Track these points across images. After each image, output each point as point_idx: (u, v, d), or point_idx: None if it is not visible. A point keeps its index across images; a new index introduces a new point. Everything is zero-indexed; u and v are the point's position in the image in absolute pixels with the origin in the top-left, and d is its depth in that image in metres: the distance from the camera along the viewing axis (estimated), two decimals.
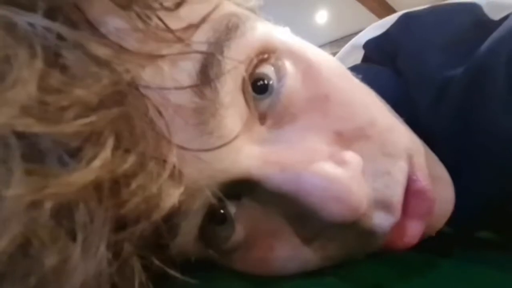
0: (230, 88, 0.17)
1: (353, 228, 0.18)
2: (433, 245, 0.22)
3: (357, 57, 0.34)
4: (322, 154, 0.18)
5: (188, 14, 0.16)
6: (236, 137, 0.16)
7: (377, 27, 0.33)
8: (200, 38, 0.16)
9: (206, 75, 0.16)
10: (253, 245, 0.19)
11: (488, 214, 0.23)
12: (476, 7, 0.27)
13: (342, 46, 0.39)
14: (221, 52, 0.16)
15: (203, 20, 0.16)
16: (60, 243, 0.12)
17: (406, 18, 0.30)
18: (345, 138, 0.19)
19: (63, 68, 0.13)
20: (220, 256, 0.20)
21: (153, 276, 0.15)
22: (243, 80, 0.18)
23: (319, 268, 0.20)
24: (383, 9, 2.96)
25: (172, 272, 0.15)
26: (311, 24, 3.37)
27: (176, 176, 0.15)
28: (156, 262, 0.15)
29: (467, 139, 0.22)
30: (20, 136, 0.12)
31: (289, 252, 0.19)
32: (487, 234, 0.26)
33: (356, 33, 0.36)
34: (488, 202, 0.23)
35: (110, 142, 0.13)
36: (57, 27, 0.13)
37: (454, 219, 0.22)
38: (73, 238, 0.12)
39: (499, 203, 0.22)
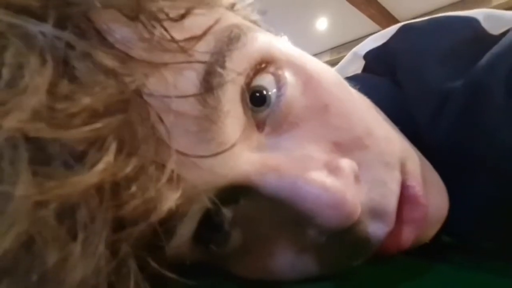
0: (230, 97, 0.17)
1: (348, 236, 0.18)
2: (432, 253, 0.23)
3: (358, 67, 0.35)
4: (318, 162, 0.18)
5: (191, 25, 0.16)
6: (234, 145, 0.17)
7: (377, 38, 0.33)
8: (203, 48, 0.17)
9: (208, 84, 0.16)
10: (251, 250, 0.20)
11: (488, 225, 0.23)
12: (474, 21, 0.27)
13: (342, 52, 0.40)
14: (223, 62, 0.17)
15: (205, 32, 0.17)
16: (62, 241, 0.12)
17: (405, 30, 0.30)
18: (343, 148, 0.19)
19: (72, 76, 0.13)
20: (218, 259, 0.20)
21: (152, 279, 0.15)
22: (242, 90, 0.18)
23: (317, 275, 0.21)
24: (383, 17, 2.98)
25: (167, 273, 0.15)
26: (312, 31, 3.38)
27: (174, 180, 0.15)
28: (152, 263, 0.15)
29: (466, 152, 0.22)
30: (29, 139, 0.12)
31: (287, 259, 0.20)
32: (490, 245, 0.26)
33: (355, 40, 0.37)
34: (487, 213, 0.23)
35: (113, 147, 0.13)
36: (66, 36, 0.13)
37: (454, 229, 0.22)
38: (74, 237, 0.13)
39: (499, 214, 0.22)
